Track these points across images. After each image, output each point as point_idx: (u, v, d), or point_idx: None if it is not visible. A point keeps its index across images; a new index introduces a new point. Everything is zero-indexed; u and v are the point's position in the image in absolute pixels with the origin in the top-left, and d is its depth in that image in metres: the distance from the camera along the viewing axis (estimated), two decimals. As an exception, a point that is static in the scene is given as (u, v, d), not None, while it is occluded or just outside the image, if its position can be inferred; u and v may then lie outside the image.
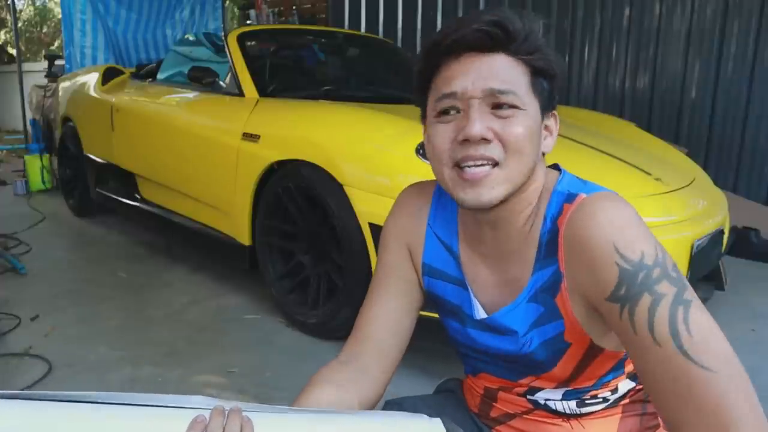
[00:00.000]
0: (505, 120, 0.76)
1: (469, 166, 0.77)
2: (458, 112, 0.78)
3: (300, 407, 0.75)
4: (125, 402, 0.68)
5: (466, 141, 0.76)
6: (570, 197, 0.80)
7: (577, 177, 0.86)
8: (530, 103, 0.78)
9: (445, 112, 0.79)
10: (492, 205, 0.78)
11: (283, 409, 0.73)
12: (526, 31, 0.77)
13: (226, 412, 0.68)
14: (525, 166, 0.78)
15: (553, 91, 0.82)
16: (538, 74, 0.79)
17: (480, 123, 0.75)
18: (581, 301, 0.78)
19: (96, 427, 0.65)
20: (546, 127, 0.83)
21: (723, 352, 0.65)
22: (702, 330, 0.66)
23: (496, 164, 0.77)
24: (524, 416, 0.93)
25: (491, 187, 0.77)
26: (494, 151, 0.76)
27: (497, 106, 0.77)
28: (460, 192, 0.79)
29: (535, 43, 0.78)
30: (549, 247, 0.81)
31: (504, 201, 0.79)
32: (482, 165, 0.76)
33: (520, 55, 0.77)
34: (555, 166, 0.89)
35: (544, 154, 0.84)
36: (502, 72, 0.77)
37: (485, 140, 0.76)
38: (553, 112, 0.84)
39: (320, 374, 0.89)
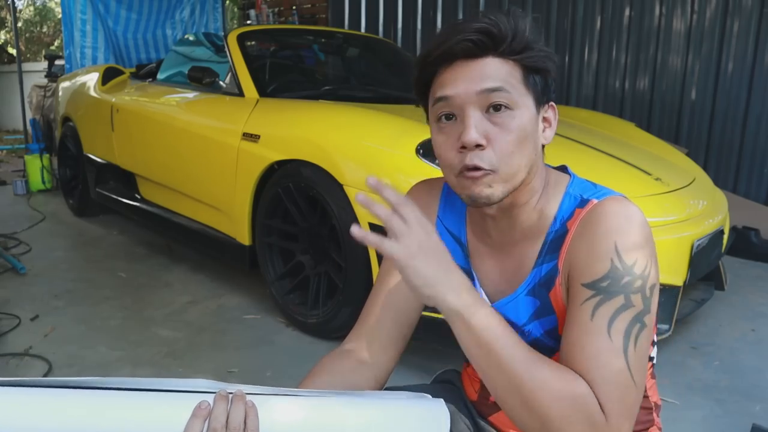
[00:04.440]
0: (498, 126, 0.80)
1: (469, 170, 0.81)
2: (456, 118, 0.82)
3: (302, 390, 0.76)
4: (128, 387, 0.68)
5: (464, 148, 0.80)
6: (583, 202, 0.85)
7: (588, 180, 0.90)
8: (524, 100, 0.82)
9: (445, 117, 0.83)
10: (492, 203, 0.82)
11: (286, 392, 0.73)
12: (513, 31, 0.80)
13: (230, 397, 0.68)
14: (521, 163, 0.82)
15: (548, 84, 0.85)
16: (529, 71, 0.82)
17: (475, 129, 0.79)
18: (567, 290, 0.83)
19: (99, 413, 0.65)
20: (545, 119, 0.86)
21: (644, 375, 0.77)
22: (642, 352, 0.75)
23: (491, 171, 0.81)
24: None
25: (488, 185, 0.81)
26: (488, 157, 0.80)
27: (491, 108, 0.80)
28: (465, 191, 0.83)
29: (522, 42, 0.81)
30: (553, 245, 0.85)
31: (507, 196, 0.83)
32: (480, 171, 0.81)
33: (508, 56, 0.81)
34: (563, 168, 0.93)
35: (543, 146, 0.87)
36: (492, 72, 0.80)
37: (480, 146, 0.80)
38: (551, 104, 0.87)
39: (323, 363, 0.91)
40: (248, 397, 0.69)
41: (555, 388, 0.72)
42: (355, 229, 0.70)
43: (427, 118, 0.89)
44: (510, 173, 0.81)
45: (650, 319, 0.77)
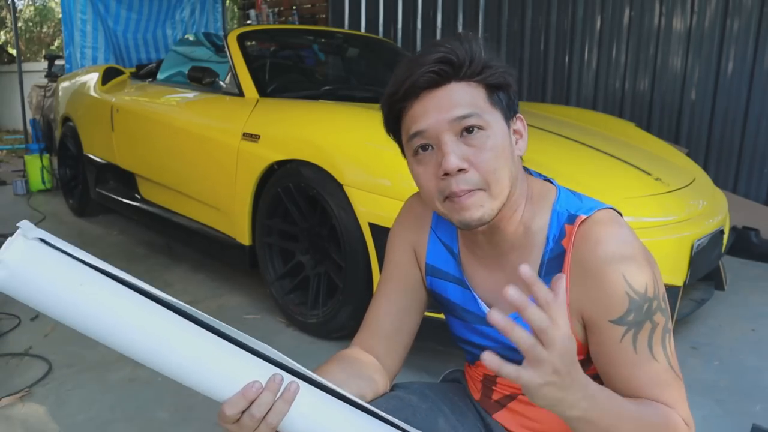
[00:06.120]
0: (475, 148, 0.82)
1: (458, 197, 0.83)
2: (433, 148, 0.84)
3: (350, 396, 0.78)
4: (204, 321, 0.72)
5: (447, 174, 0.82)
6: (571, 218, 0.86)
7: (570, 190, 0.92)
8: (493, 118, 0.84)
9: (421, 148, 0.85)
10: (484, 222, 0.84)
11: (336, 393, 0.75)
12: (470, 55, 0.82)
13: (281, 388, 0.70)
14: (504, 177, 0.84)
15: (511, 98, 0.87)
16: (492, 88, 0.84)
17: (454, 155, 0.81)
18: (579, 318, 0.85)
19: (173, 338, 0.69)
20: (515, 131, 0.89)
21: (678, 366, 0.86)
22: (674, 352, 0.85)
23: (479, 189, 0.83)
24: (523, 396, 0.97)
25: (480, 205, 0.83)
26: (472, 178, 0.82)
27: (465, 131, 0.82)
28: (456, 216, 0.84)
29: (480, 63, 0.83)
30: (551, 265, 0.87)
31: (498, 213, 0.85)
32: (469, 192, 0.83)
33: (470, 79, 0.83)
34: (548, 180, 0.95)
35: (521, 157, 0.89)
36: (459, 99, 0.82)
37: (462, 170, 0.82)
38: (518, 116, 0.89)
39: (326, 369, 0.91)
40: (300, 384, 0.70)
41: (656, 423, 0.78)
42: (488, 357, 0.62)
43: (403, 153, 0.92)
44: (498, 189, 0.83)
45: (670, 322, 0.85)
